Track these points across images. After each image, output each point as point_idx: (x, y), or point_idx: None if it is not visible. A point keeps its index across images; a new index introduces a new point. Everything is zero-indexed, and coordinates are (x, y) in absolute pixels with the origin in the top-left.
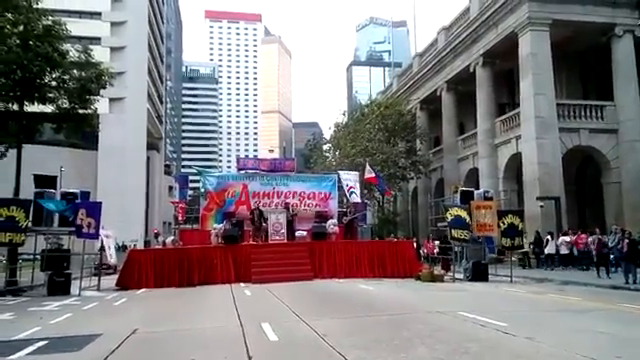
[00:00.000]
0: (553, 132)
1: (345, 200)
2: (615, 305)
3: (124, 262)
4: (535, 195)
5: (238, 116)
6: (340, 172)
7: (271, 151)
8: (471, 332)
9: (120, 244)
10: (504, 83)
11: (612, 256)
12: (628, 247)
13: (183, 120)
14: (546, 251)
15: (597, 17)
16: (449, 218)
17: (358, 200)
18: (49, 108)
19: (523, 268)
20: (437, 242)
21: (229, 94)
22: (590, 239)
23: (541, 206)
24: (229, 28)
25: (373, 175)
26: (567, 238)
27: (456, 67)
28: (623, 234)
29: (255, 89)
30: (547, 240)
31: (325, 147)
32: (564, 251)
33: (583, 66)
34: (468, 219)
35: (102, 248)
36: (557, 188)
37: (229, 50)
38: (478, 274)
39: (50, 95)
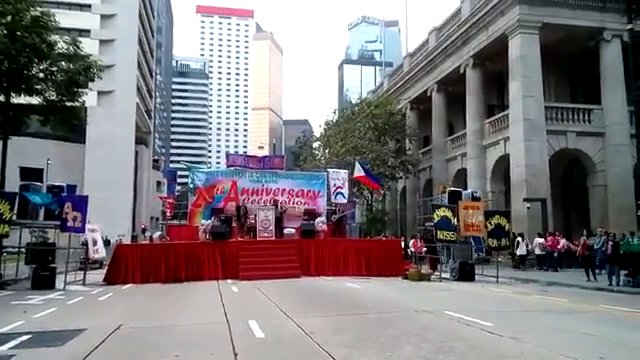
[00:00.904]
0: (541, 134)
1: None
2: (599, 307)
3: (111, 257)
4: (522, 196)
5: (228, 112)
6: (329, 170)
7: (261, 148)
8: (457, 331)
9: (104, 238)
10: (494, 85)
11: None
12: (612, 249)
13: (172, 115)
14: (517, 252)
15: (586, 21)
16: (436, 219)
17: (344, 201)
18: (36, 100)
19: (514, 269)
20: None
21: (219, 90)
22: (562, 242)
23: (528, 207)
24: (220, 23)
25: (362, 174)
26: (542, 240)
27: (446, 68)
28: (607, 237)
29: (246, 85)
30: (518, 242)
31: (315, 145)
32: (538, 252)
33: (572, 69)
34: (454, 220)
35: (85, 243)
36: (544, 190)
37: (220, 46)
38: (465, 274)
39: (37, 87)
